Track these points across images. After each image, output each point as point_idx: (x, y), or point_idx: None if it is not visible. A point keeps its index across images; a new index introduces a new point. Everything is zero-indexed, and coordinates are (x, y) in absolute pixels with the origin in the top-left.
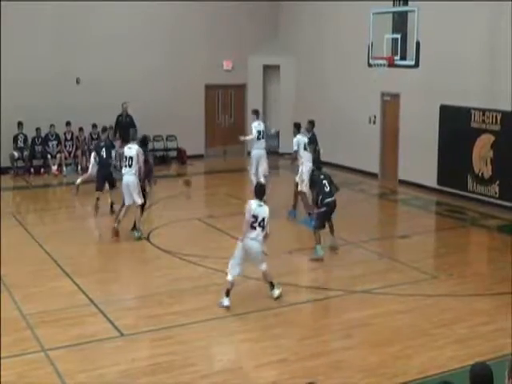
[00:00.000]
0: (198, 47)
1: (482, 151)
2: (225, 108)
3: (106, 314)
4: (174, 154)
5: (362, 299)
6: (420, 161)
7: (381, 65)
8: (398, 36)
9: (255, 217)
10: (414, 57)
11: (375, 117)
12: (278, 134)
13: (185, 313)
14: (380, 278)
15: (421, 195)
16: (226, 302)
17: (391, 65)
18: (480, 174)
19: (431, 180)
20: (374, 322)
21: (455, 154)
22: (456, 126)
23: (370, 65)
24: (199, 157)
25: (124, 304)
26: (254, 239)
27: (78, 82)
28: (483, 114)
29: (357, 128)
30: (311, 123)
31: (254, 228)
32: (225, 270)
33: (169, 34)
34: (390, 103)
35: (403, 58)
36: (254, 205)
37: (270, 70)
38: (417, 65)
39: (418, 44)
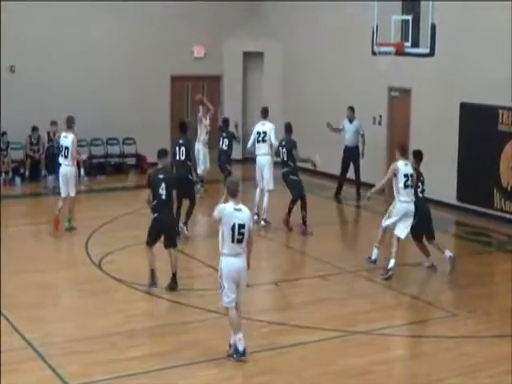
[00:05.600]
0: (162, 29)
1: (511, 160)
2: (195, 104)
3: (46, 359)
4: (132, 160)
5: (364, 342)
6: (436, 172)
7: (388, 53)
8: (409, 18)
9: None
10: (429, 43)
11: (381, 117)
12: None
13: (145, 358)
14: (386, 316)
15: (437, 213)
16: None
17: (400, 53)
18: (509, 188)
19: (449, 195)
20: (379, 369)
21: (479, 163)
22: (480, 128)
23: (374, 53)
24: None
25: (69, 347)
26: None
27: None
28: None
29: None
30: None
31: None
32: (195, 304)
33: (124, 13)
34: (399, 100)
35: (415, 44)
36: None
37: (251, 58)
38: (432, 53)
39: (433, 27)
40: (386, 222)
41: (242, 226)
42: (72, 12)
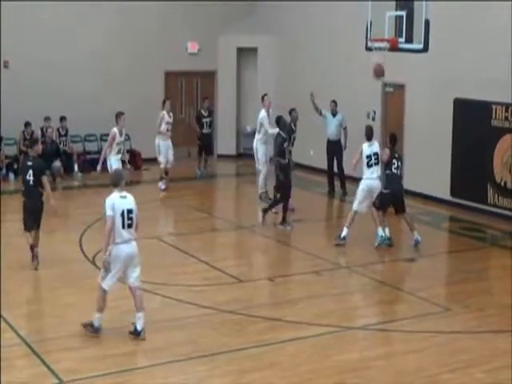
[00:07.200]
0: (156, 25)
1: (504, 155)
2: (189, 100)
3: (40, 355)
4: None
5: (359, 337)
6: (429, 167)
7: (382, 48)
8: (403, 13)
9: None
10: (423, 39)
11: (375, 112)
12: (254, 132)
13: (139, 354)
14: (381, 311)
15: (430, 209)
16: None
17: (394, 48)
18: (503, 184)
19: (443, 190)
20: (373, 365)
21: (472, 158)
22: (474, 124)
23: (368, 48)
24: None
25: (63, 343)
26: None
27: (6, 66)
28: (506, 110)
29: (352, 126)
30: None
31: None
32: (188, 299)
33: (118, 9)
34: (393, 96)
35: (409, 40)
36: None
37: (245, 54)
38: (426, 49)
39: (427, 23)
40: (355, 206)
41: (130, 211)
42: (66, 9)
